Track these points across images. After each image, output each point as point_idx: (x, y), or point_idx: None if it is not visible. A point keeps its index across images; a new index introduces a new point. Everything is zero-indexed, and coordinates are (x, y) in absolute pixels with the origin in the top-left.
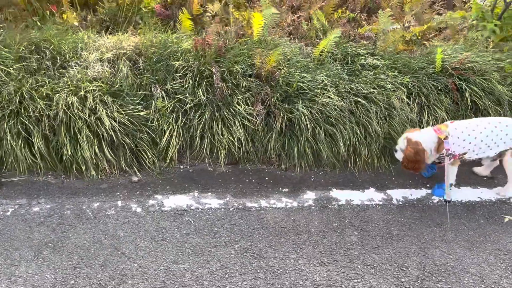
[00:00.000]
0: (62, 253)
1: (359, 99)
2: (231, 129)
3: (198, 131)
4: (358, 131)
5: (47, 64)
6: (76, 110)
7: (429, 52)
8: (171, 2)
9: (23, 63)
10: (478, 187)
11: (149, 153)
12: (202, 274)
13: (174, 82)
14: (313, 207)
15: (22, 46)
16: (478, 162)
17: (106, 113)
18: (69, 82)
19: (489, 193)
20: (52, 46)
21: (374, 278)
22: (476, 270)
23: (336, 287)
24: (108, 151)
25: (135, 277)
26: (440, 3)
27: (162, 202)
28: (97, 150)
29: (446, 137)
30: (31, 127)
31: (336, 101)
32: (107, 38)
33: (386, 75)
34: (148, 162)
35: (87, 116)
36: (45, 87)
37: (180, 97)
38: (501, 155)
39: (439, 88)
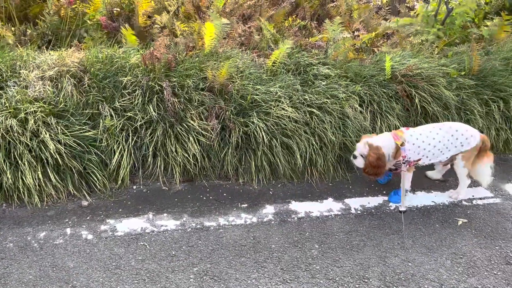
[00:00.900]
0: None
1: (313, 110)
2: (186, 146)
3: (151, 149)
4: (314, 142)
5: None
6: (16, 134)
7: (378, 60)
8: (117, 14)
9: None
10: (432, 191)
11: (99, 174)
12: None
13: (123, 99)
14: (272, 222)
15: None
16: (430, 166)
17: (49, 135)
18: (7, 104)
19: (442, 197)
20: None
21: None
22: (435, 276)
23: None
24: (54, 176)
25: None
26: (386, 8)
27: (115, 226)
28: (40, 176)
29: (402, 144)
30: None
31: (291, 112)
32: (49, 54)
33: (338, 84)
34: (98, 184)
35: (28, 140)
36: None
37: (130, 114)
38: (452, 159)
39: (390, 95)
